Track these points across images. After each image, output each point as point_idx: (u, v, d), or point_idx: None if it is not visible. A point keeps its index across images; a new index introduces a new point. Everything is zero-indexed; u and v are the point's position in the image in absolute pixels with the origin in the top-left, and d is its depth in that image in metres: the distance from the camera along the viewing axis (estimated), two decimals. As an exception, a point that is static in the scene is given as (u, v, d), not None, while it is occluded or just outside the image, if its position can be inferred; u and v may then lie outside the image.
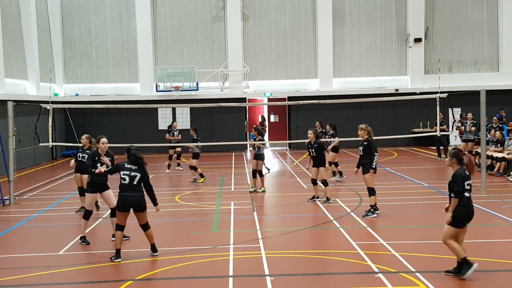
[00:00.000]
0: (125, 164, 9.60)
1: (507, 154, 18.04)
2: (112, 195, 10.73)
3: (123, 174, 9.51)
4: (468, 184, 8.28)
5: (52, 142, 18.12)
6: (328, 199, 13.99)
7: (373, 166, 12.24)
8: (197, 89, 29.02)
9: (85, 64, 30.32)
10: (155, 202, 9.73)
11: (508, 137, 18.95)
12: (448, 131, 22.70)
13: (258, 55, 30.47)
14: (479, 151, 17.36)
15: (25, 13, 25.71)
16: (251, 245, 9.96)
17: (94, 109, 28.00)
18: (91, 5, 30.13)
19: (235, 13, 29.66)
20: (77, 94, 29.98)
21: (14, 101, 16.50)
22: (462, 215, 8.25)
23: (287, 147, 30.54)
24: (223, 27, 30.17)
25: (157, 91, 29.31)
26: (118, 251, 9.51)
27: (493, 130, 20.22)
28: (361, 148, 12.51)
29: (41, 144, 18.00)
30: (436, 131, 20.09)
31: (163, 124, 29.55)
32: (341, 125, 29.45)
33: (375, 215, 12.34)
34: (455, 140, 28.28)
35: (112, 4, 30.18)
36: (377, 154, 12.34)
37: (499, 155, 18.33)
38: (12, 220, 13.24)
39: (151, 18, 29.90)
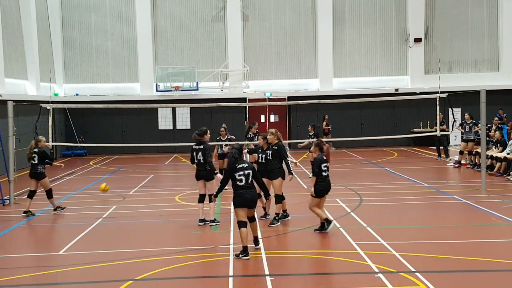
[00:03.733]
0: (237, 165, 9.69)
1: (507, 154, 18.03)
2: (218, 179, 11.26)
3: (238, 175, 9.62)
4: (325, 166, 10.84)
5: (52, 142, 18.12)
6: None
7: (292, 171, 12.06)
8: (197, 89, 29.03)
9: (85, 64, 30.33)
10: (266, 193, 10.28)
11: None
12: (448, 131, 22.70)
13: (258, 55, 30.47)
14: (479, 151, 17.37)
15: (25, 13, 25.71)
16: (251, 245, 9.94)
17: (94, 109, 28.05)
18: (91, 5, 30.13)
19: (235, 13, 29.66)
20: (77, 94, 29.99)
21: (14, 101, 16.50)
22: (320, 189, 10.81)
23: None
24: (223, 27, 30.18)
25: (157, 91, 29.32)
26: (245, 248, 9.43)
27: (492, 131, 20.25)
28: (269, 152, 12.00)
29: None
30: (436, 131, 20.11)
31: (163, 124, 29.58)
32: (341, 125, 29.68)
33: (279, 223, 11.93)
34: (455, 140, 28.29)
35: (112, 4, 30.19)
36: (288, 158, 12.16)
37: (500, 155, 18.32)
38: (12, 220, 13.24)
39: (151, 18, 29.90)
